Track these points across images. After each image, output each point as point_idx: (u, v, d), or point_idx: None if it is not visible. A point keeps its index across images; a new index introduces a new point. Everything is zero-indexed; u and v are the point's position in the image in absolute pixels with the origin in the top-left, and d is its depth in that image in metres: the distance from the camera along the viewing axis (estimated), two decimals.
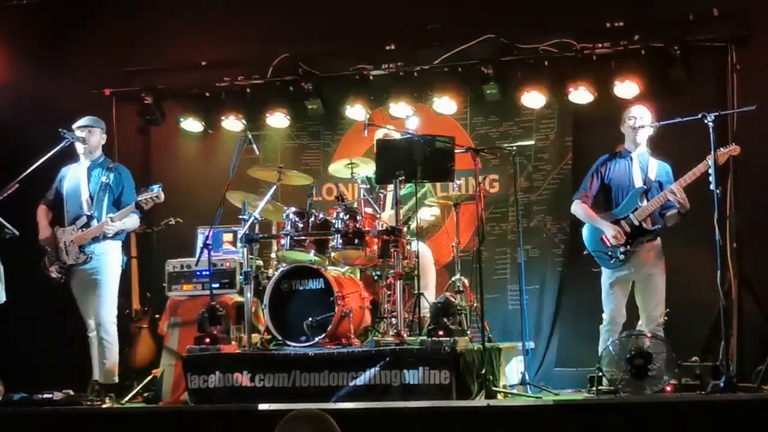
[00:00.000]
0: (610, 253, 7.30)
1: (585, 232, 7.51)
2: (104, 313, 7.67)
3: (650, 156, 7.45)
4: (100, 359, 7.67)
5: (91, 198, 7.73)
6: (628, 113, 7.48)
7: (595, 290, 7.49)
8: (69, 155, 7.94)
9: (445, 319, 6.80)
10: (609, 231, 7.29)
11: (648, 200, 7.29)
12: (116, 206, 7.70)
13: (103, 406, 7.36)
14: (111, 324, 7.70)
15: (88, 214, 7.66)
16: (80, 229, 7.65)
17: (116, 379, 7.73)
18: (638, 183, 7.37)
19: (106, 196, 7.71)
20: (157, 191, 7.49)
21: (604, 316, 7.35)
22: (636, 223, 7.25)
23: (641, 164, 7.40)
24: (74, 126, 7.85)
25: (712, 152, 6.86)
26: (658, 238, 7.32)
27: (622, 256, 7.25)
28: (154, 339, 8.53)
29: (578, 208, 7.57)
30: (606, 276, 7.40)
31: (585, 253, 7.48)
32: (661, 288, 7.29)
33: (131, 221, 7.82)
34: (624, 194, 7.38)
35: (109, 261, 7.72)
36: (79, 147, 7.85)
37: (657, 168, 7.40)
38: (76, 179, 7.84)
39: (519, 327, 7.87)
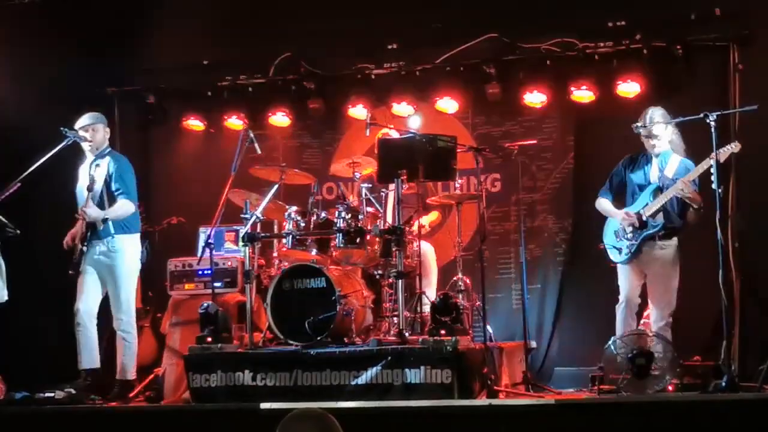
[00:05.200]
0: (618, 247, 7.32)
1: (605, 226, 7.51)
2: (125, 311, 7.57)
3: (674, 153, 7.40)
4: (119, 356, 7.59)
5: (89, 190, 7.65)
6: (636, 127, 7.35)
7: (596, 290, 7.50)
8: (78, 154, 7.89)
9: (444, 317, 6.80)
10: (620, 216, 7.31)
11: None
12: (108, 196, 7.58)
13: (104, 406, 7.35)
14: (131, 321, 7.62)
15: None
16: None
17: (133, 376, 7.65)
18: (654, 181, 7.35)
19: (102, 186, 7.60)
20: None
21: (620, 296, 7.34)
22: (644, 218, 7.24)
23: (660, 163, 7.37)
24: (76, 126, 7.77)
25: (714, 152, 6.85)
26: (674, 239, 7.27)
27: (627, 251, 7.25)
28: (156, 338, 8.53)
29: (600, 202, 7.56)
30: None
31: (601, 246, 7.48)
32: (670, 290, 7.23)
33: (121, 207, 7.54)
34: (640, 192, 7.38)
35: (125, 257, 7.60)
36: (85, 145, 7.81)
37: (677, 165, 7.33)
38: (83, 176, 7.80)
39: (521, 326, 7.87)
